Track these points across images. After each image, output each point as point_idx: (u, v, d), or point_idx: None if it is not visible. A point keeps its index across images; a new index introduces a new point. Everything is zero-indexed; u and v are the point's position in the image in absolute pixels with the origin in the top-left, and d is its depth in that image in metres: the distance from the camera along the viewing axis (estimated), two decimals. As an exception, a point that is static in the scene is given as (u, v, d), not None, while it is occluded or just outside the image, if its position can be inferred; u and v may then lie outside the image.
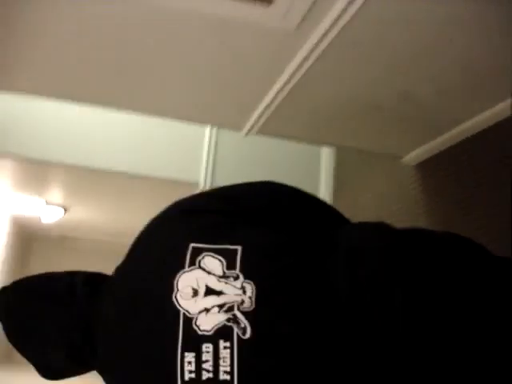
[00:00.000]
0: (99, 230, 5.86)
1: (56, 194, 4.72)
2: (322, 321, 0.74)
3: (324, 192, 3.73)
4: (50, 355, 0.85)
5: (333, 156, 3.71)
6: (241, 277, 0.77)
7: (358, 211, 3.27)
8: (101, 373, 0.83)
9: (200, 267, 0.79)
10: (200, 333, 0.75)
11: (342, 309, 0.73)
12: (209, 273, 0.78)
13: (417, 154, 2.61)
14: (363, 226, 0.85)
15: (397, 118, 2.21)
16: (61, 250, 6.67)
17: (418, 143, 2.54)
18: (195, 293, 0.77)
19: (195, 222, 0.86)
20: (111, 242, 6.36)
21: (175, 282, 0.78)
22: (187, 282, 0.78)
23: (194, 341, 0.75)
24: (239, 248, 0.80)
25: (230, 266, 0.79)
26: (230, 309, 0.75)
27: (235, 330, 0.74)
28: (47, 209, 5.18)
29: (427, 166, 2.57)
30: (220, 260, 0.79)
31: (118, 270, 0.89)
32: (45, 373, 0.88)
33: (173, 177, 3.48)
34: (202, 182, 3.53)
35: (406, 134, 2.43)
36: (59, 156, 3.30)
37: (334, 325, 0.73)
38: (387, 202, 2.95)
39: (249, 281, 0.77)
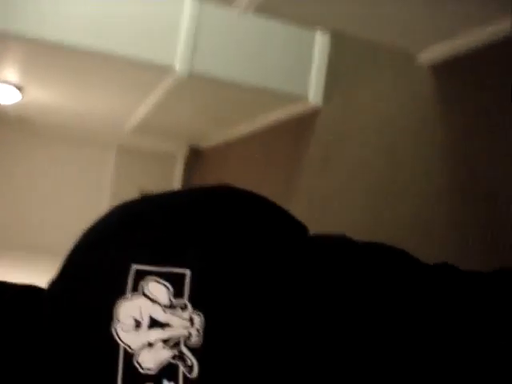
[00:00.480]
0: (61, 114, 5.44)
1: (12, 72, 4.25)
2: (276, 359, 0.70)
3: (315, 85, 3.39)
4: None
5: (327, 43, 3.34)
6: (189, 307, 0.72)
7: (352, 113, 2.94)
8: None
9: (144, 294, 0.72)
10: (142, 371, 0.69)
11: (298, 340, 0.71)
12: (153, 301, 0.72)
13: (433, 53, 2.23)
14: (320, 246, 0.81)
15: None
16: (20, 135, 6.17)
17: (435, 39, 2.15)
18: (138, 324, 0.70)
19: (137, 237, 0.78)
20: (73, 127, 6.04)
21: (115, 311, 0.71)
22: (129, 312, 0.71)
23: (135, 381, 0.68)
24: (187, 272, 0.74)
25: (178, 293, 0.72)
26: (176, 344, 0.70)
27: (181, 368, 0.69)
28: (2, 88, 4.71)
29: (444, 69, 2.21)
30: (166, 286, 0.73)
31: (53, 286, 0.78)
32: None
33: (142, 57, 3.08)
34: (178, 66, 3.15)
35: (422, 25, 2.06)
36: (16, 28, 2.89)
37: (290, 359, 0.70)
38: (388, 103, 2.61)
39: (198, 311, 0.71)
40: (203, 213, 0.81)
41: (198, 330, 0.70)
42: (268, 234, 0.81)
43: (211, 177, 5.47)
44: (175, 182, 6.57)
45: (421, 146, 2.39)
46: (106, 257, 0.76)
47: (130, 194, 6.09)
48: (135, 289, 0.72)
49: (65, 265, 0.79)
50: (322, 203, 3.09)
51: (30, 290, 0.80)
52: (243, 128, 4.64)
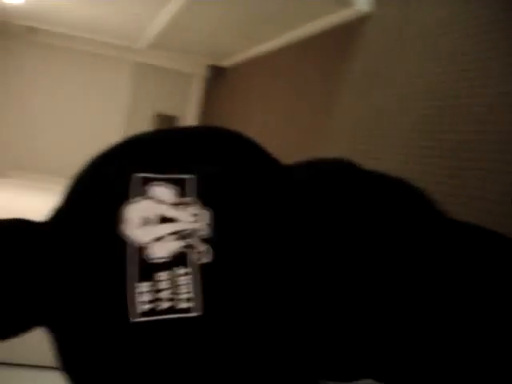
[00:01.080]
0: (73, 26, 5.04)
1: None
2: (284, 243, 0.72)
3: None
4: None
5: None
6: (196, 203, 0.73)
7: (406, 20, 2.54)
8: (52, 326, 0.74)
9: (149, 197, 0.73)
10: (153, 261, 0.69)
11: (304, 228, 0.74)
12: (159, 201, 0.73)
13: None
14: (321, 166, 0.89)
15: None
16: (33, 52, 5.73)
17: None
18: (145, 222, 0.71)
19: (142, 153, 0.80)
20: (87, 42, 5.66)
21: (121, 214, 0.71)
22: (135, 213, 0.72)
23: (146, 270, 0.68)
24: (192, 176, 0.76)
25: (184, 193, 0.74)
26: (187, 236, 0.71)
27: (193, 255, 0.70)
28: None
29: None
30: (171, 189, 0.74)
31: (58, 212, 0.78)
32: None
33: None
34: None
35: None
36: None
37: (296, 245, 0.72)
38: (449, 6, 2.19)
39: (206, 208, 0.73)
40: (206, 140, 0.85)
41: (207, 224, 0.71)
42: (256, 159, 0.85)
43: (233, 95, 5.10)
44: (194, 102, 6.18)
45: (483, 52, 2.02)
46: (111, 171, 0.77)
47: (147, 115, 5.84)
48: (140, 193, 0.73)
49: (72, 182, 0.79)
50: (369, 125, 2.73)
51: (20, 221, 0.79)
52: (272, 43, 4.20)
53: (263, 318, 0.69)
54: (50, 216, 0.78)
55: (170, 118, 6.04)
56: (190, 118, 6.12)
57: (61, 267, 0.70)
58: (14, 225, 0.76)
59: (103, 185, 0.75)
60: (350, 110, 2.93)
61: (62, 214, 0.76)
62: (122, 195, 0.72)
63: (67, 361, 0.71)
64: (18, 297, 0.71)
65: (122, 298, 0.67)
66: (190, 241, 0.69)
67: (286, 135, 3.74)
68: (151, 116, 6.01)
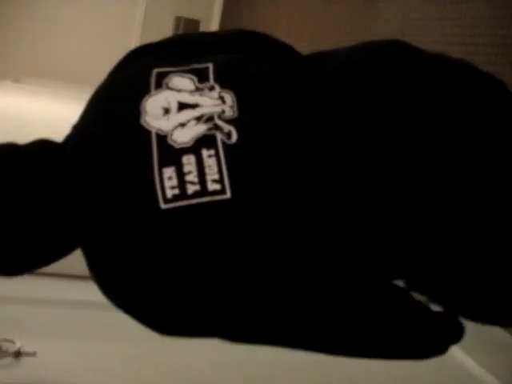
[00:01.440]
0: None
1: None
2: (308, 123, 0.68)
3: None
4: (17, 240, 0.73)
5: None
6: (217, 87, 0.72)
7: None
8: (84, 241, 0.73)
9: (168, 87, 0.73)
10: (178, 146, 0.68)
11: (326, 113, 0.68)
12: (179, 90, 0.73)
13: None
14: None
15: None
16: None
17: None
18: (166, 111, 0.71)
19: (161, 51, 0.81)
20: None
21: (142, 106, 0.71)
22: (155, 103, 0.72)
23: (172, 155, 0.67)
24: (210, 65, 0.75)
25: (203, 79, 0.73)
26: (210, 119, 0.69)
27: (219, 136, 0.68)
28: None
29: None
30: (190, 78, 0.74)
31: (76, 127, 0.78)
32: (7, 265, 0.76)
33: None
34: None
35: None
36: None
37: (320, 128, 0.67)
38: None
39: (227, 90, 0.71)
40: (227, 36, 0.85)
41: (230, 107, 0.70)
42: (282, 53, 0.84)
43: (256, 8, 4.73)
44: (218, 4, 5.80)
45: None
46: (132, 69, 0.78)
47: (168, 19, 5.52)
48: (159, 85, 0.73)
49: (90, 101, 0.79)
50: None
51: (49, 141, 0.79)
52: None
53: (292, 203, 0.65)
54: (74, 124, 0.79)
55: (191, 22, 5.70)
56: (213, 21, 5.77)
57: (85, 166, 0.70)
58: (37, 143, 0.78)
59: (125, 82, 0.76)
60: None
61: (85, 117, 0.77)
62: (143, 89, 0.73)
63: (98, 266, 0.69)
64: (49, 213, 0.72)
65: (150, 186, 0.66)
66: (213, 123, 0.68)
67: (317, 39, 3.45)
68: (172, 20, 5.66)
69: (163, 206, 0.64)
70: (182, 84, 0.72)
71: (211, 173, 0.65)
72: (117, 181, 0.67)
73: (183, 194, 0.65)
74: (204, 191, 0.64)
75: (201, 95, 0.70)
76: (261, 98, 0.69)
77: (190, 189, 0.64)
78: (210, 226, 0.64)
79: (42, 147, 0.75)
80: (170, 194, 0.65)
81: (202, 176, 0.65)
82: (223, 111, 0.68)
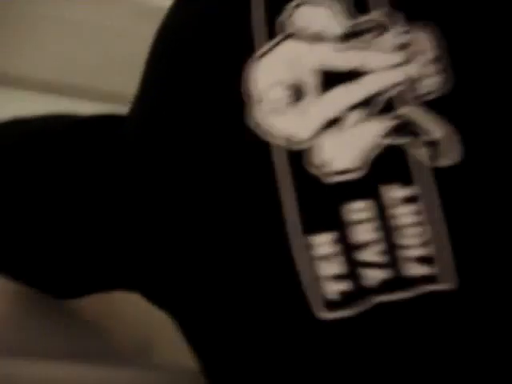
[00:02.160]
0: None
1: None
2: None
3: None
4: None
5: None
6: (396, 22, 0.34)
7: None
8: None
9: (290, 35, 0.35)
10: (331, 180, 0.33)
11: None
12: (313, 40, 0.35)
13: None
14: None
15: None
16: None
17: None
18: (296, 92, 0.34)
19: None
20: None
21: (243, 85, 0.35)
22: (273, 76, 0.35)
23: (322, 202, 0.33)
24: None
25: (361, 7, 0.35)
26: (390, 105, 0.33)
27: (416, 151, 0.32)
28: None
29: None
30: (333, 7, 0.35)
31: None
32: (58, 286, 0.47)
33: None
34: None
35: None
36: None
37: None
38: None
39: (420, 27, 0.33)
40: None
41: (431, 69, 0.34)
42: None
43: None
44: None
45: None
46: (213, 13, 0.40)
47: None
48: (272, 33, 0.37)
49: (154, 48, 0.44)
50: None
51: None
52: None
53: None
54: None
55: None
56: None
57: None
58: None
59: (203, 41, 0.39)
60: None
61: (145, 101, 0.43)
62: (241, 45, 0.37)
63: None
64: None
65: (288, 275, 0.33)
66: (399, 116, 0.33)
67: None
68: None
69: (323, 315, 0.33)
70: (317, 23, 0.37)
71: (411, 242, 0.33)
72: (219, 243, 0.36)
73: (358, 290, 0.34)
74: (400, 280, 0.33)
75: (361, 49, 0.35)
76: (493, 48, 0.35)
77: (372, 277, 0.32)
78: (411, 344, 0.33)
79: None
80: (332, 292, 0.33)
81: (391, 249, 0.33)
82: (416, 82, 0.34)
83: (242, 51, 0.35)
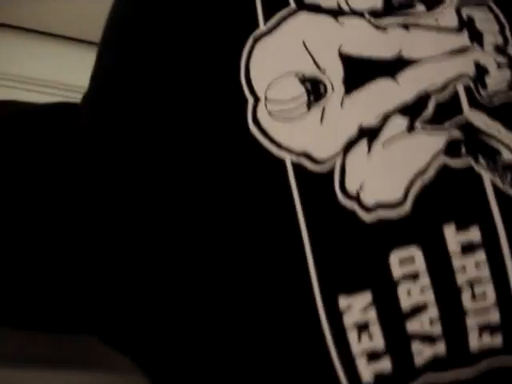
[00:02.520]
0: None
1: None
2: None
3: None
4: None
5: None
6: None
7: None
8: None
9: (306, 7, 0.24)
10: (370, 219, 0.22)
11: None
12: (338, 12, 0.23)
13: None
14: None
15: None
16: None
17: None
18: (315, 89, 0.23)
19: None
20: None
21: (248, 71, 0.23)
22: (282, 63, 0.23)
23: (350, 231, 0.22)
24: None
25: None
26: (449, 109, 0.22)
27: (488, 176, 0.21)
28: None
29: None
30: None
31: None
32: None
33: None
34: None
35: None
36: None
37: None
38: None
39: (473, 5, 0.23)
40: None
41: (498, 56, 0.23)
42: None
43: None
44: None
45: None
46: None
47: None
48: (279, 3, 0.25)
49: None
50: None
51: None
52: None
53: None
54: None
55: None
56: None
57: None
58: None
59: (199, 12, 0.27)
60: None
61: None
62: (239, 21, 0.26)
63: None
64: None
65: (311, 351, 0.24)
66: (463, 126, 0.23)
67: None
68: None
69: None
70: None
71: (474, 305, 0.22)
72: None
73: (401, 370, 0.23)
74: (457, 354, 0.23)
75: (408, 23, 0.24)
76: None
77: (419, 353, 0.22)
78: None
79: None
80: (368, 375, 0.22)
81: (446, 315, 0.23)
82: (484, 75, 0.24)
83: (240, 26, 0.25)
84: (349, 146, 0.22)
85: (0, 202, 0.31)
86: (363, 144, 0.23)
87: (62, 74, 0.77)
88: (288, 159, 0.23)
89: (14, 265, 0.31)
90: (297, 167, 0.22)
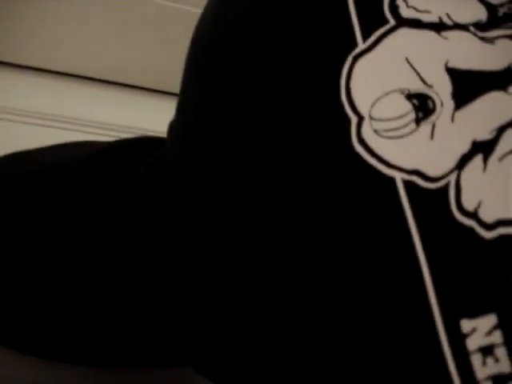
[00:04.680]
0: None
1: None
2: None
3: None
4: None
5: None
6: None
7: None
8: None
9: (406, 23, 0.23)
10: (487, 234, 0.20)
11: None
12: (441, 26, 0.22)
13: None
14: None
15: None
16: None
17: None
18: (423, 105, 0.21)
19: None
20: None
21: (350, 90, 0.22)
22: (386, 81, 0.22)
23: (471, 249, 0.19)
24: None
25: None
26: None
27: None
28: None
29: None
30: None
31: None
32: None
33: None
34: None
35: None
36: None
37: None
38: None
39: None
40: None
41: None
42: None
43: None
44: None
45: None
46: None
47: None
48: (378, 20, 0.24)
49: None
50: None
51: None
52: None
53: None
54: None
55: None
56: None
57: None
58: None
59: (277, 33, 0.26)
60: None
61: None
62: (336, 40, 0.25)
63: None
64: None
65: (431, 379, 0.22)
66: None
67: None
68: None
69: None
70: (442, 5, 0.24)
71: None
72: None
73: None
74: None
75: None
76: None
77: None
78: None
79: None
80: None
81: None
82: None
83: (338, 45, 0.25)
84: (463, 162, 0.22)
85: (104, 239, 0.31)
86: (478, 159, 0.22)
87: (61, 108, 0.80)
88: (398, 177, 0.22)
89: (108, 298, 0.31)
90: (408, 185, 0.22)
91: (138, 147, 0.34)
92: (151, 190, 0.30)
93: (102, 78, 0.85)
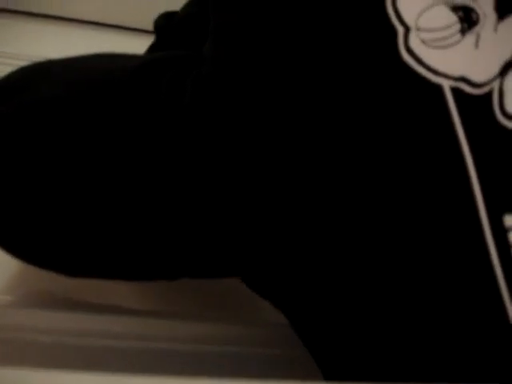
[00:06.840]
0: None
1: None
2: None
3: None
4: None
5: None
6: None
7: None
8: None
9: None
10: None
11: None
12: None
13: None
14: None
15: None
16: None
17: None
18: (467, 17, 0.23)
19: None
20: None
21: (398, 3, 0.24)
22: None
23: None
24: None
25: None
26: None
27: None
28: None
29: None
30: None
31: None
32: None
33: None
34: None
35: None
36: None
37: None
38: None
39: None
40: None
41: None
42: None
43: None
44: None
45: None
46: None
47: None
48: None
49: None
50: None
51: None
52: None
53: None
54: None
55: None
56: None
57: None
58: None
59: None
60: None
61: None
62: None
63: None
64: None
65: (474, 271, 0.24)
66: None
67: None
68: None
69: None
70: None
71: None
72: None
73: None
74: None
75: None
76: None
77: None
78: None
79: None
80: None
81: None
82: None
83: None
84: (506, 69, 0.24)
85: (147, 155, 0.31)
86: None
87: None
88: (446, 84, 0.24)
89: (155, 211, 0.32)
90: (455, 91, 0.24)
91: (183, 59, 0.34)
92: (208, 102, 0.30)
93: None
